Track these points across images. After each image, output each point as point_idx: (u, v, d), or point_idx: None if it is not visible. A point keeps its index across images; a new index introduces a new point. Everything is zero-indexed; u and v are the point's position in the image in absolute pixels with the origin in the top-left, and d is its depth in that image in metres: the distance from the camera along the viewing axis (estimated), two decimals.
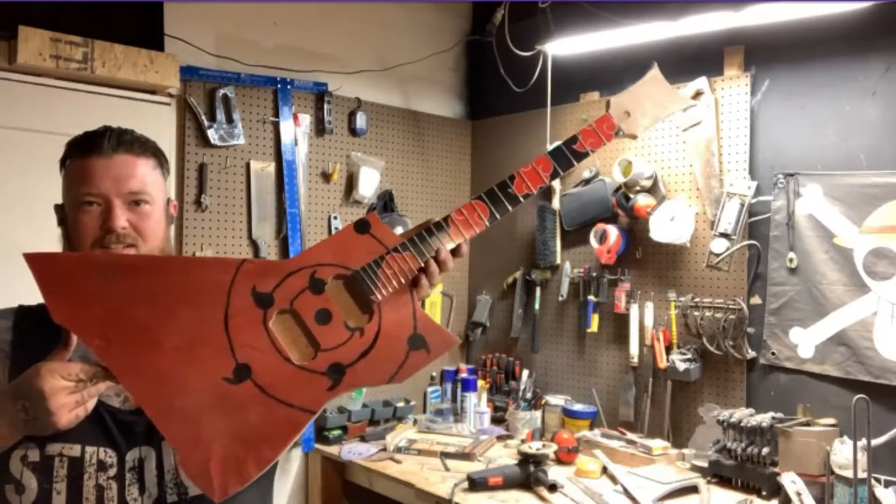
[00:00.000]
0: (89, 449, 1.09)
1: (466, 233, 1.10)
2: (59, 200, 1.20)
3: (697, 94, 2.60)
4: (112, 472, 1.09)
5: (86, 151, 1.15)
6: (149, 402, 0.96)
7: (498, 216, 1.12)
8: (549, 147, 2.99)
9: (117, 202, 1.13)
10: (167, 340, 0.98)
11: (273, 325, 1.00)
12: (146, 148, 1.19)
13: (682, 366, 2.54)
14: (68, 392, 0.95)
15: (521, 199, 1.11)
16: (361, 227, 1.07)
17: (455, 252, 1.11)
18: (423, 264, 1.07)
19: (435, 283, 1.09)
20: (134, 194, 1.15)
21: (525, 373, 3.11)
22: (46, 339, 1.13)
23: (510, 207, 1.11)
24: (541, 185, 1.11)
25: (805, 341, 2.35)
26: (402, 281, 1.05)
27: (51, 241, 2.46)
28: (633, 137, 1.19)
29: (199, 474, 0.94)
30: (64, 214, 1.18)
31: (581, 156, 1.12)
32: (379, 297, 1.03)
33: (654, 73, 1.26)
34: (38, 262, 1.02)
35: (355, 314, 1.03)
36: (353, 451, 2.64)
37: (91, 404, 1.00)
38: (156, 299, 0.99)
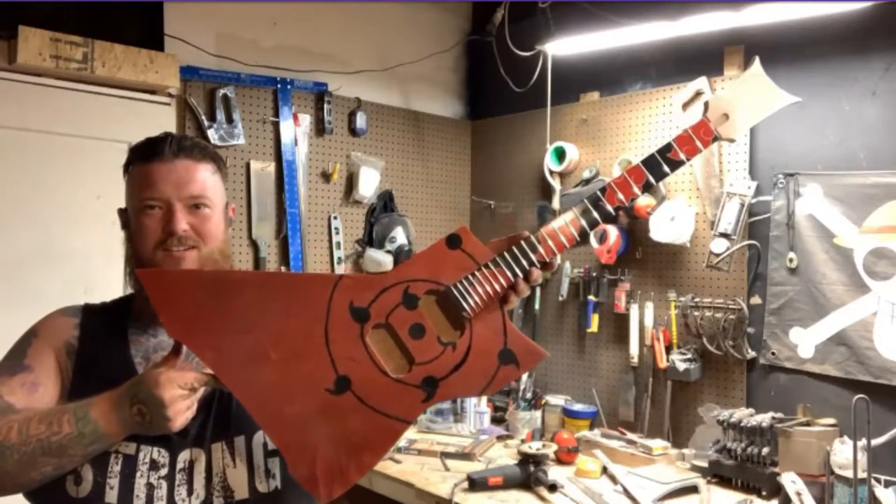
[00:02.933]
0: (144, 448, 1.12)
1: (558, 249, 1.11)
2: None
3: (697, 94, 2.60)
4: (163, 471, 1.12)
5: (148, 157, 1.19)
6: (258, 410, 1.02)
7: (589, 231, 1.11)
8: (549, 147, 3.01)
9: (178, 206, 1.18)
10: (273, 352, 1.03)
11: (369, 338, 1.05)
12: (206, 153, 1.24)
13: (682, 366, 2.54)
14: (184, 399, 1.02)
15: (613, 211, 1.10)
16: (453, 242, 1.11)
17: (546, 267, 1.12)
18: (514, 281, 1.09)
19: (524, 296, 1.12)
20: (194, 198, 1.19)
21: (525, 373, 3.11)
22: (109, 336, 1.21)
23: (601, 222, 1.11)
24: (633, 197, 1.10)
25: (805, 341, 2.35)
26: (494, 297, 1.07)
27: (50, 240, 2.47)
28: (732, 142, 1.18)
29: (307, 479, 1.00)
30: (127, 218, 1.22)
31: (676, 164, 1.11)
32: (471, 313, 1.06)
33: (756, 69, 1.21)
34: (150, 279, 1.08)
35: (447, 329, 1.06)
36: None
37: (196, 407, 1.06)
38: (262, 314, 1.05)
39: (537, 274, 1.10)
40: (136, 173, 1.21)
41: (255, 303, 1.05)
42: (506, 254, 1.09)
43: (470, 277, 1.07)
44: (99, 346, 1.18)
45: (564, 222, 1.11)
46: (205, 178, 1.21)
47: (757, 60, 1.18)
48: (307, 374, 1.02)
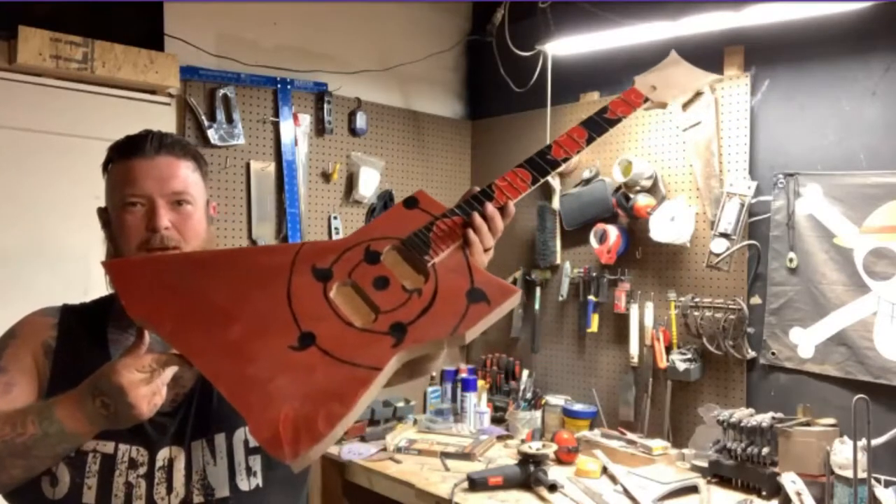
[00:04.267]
0: (122, 447, 1.11)
1: (511, 195, 1.15)
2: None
3: (697, 94, 2.60)
4: (142, 470, 1.11)
5: (128, 154, 1.19)
6: (219, 376, 0.99)
7: (540, 179, 1.18)
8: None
9: (161, 202, 1.16)
10: (235, 320, 1.02)
11: (334, 296, 1.05)
12: (187, 150, 1.23)
13: (682, 366, 2.54)
14: (145, 383, 0.98)
15: (561, 162, 1.18)
16: (410, 203, 1.14)
17: (503, 212, 1.14)
18: (470, 220, 1.11)
19: (487, 242, 1.12)
20: (177, 194, 1.18)
21: (525, 373, 3.11)
22: (88, 336, 1.19)
23: (550, 170, 1.18)
24: (578, 150, 1.18)
25: (805, 341, 2.35)
26: (454, 241, 1.09)
27: (50, 240, 2.47)
28: (663, 107, 1.25)
29: (269, 440, 0.94)
30: (108, 217, 1.21)
31: (613, 122, 1.19)
32: (433, 257, 1.07)
33: (672, 57, 1.33)
34: (114, 268, 1.09)
35: (413, 278, 1.07)
36: (353, 451, 2.63)
37: (164, 391, 1.02)
38: (222, 285, 1.05)
39: (492, 210, 1.11)
40: (116, 170, 1.20)
41: (217, 277, 1.06)
42: (461, 203, 1.13)
43: (428, 225, 1.10)
44: (77, 346, 1.17)
45: (514, 171, 1.17)
46: (186, 175, 1.20)
47: (672, 51, 1.34)
48: (269, 336, 1.01)
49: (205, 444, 1.15)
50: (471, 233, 1.09)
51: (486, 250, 1.12)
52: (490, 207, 1.12)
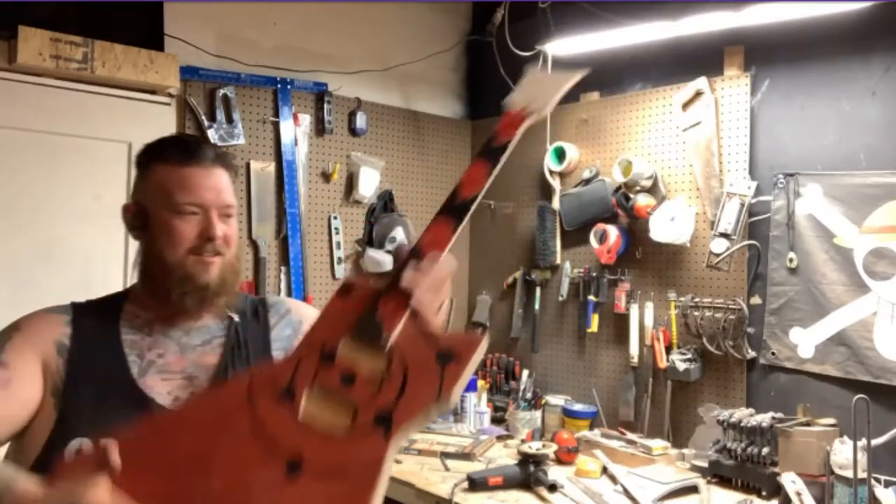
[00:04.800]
0: None
1: (439, 247, 1.12)
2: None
3: (697, 94, 2.60)
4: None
5: (185, 160, 1.19)
6: None
7: (460, 223, 1.15)
8: (549, 147, 3.01)
9: (214, 213, 1.20)
10: (215, 480, 0.98)
11: (305, 409, 1.01)
12: (232, 163, 1.28)
13: (682, 366, 2.54)
14: None
15: (473, 201, 1.17)
16: (344, 291, 1.10)
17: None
18: (408, 288, 1.07)
19: (434, 302, 1.09)
20: (227, 207, 1.23)
21: (525, 373, 3.11)
22: (102, 335, 1.19)
23: (467, 212, 1.17)
24: (485, 184, 1.17)
25: (805, 341, 2.35)
26: (402, 312, 1.05)
27: (50, 239, 2.47)
28: (542, 116, 1.21)
29: None
30: (143, 216, 1.20)
31: (504, 148, 1.18)
32: (388, 336, 1.04)
33: (531, 73, 1.27)
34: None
35: (376, 363, 1.04)
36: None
37: None
38: (187, 445, 1.01)
39: (426, 269, 1.08)
40: (168, 174, 1.19)
41: (178, 440, 1.01)
42: (395, 271, 1.09)
43: (371, 306, 1.06)
44: (92, 346, 1.17)
45: (434, 223, 1.15)
46: (232, 188, 1.25)
47: (529, 67, 1.29)
48: (253, 477, 0.97)
49: None
50: (414, 301, 1.06)
51: (439, 308, 1.10)
52: (424, 267, 1.08)
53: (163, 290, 1.19)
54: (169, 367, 1.19)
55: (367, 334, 1.05)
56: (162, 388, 1.17)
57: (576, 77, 1.22)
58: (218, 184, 1.22)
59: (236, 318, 1.26)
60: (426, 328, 1.05)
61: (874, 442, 1.96)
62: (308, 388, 1.02)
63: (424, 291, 1.08)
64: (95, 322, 1.20)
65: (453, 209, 1.17)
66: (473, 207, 1.17)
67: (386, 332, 1.04)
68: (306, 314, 1.37)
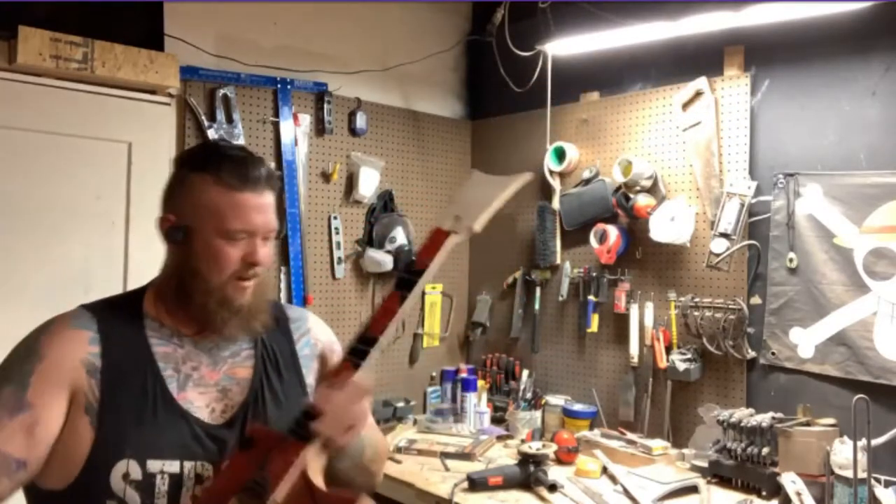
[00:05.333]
0: (187, 464, 1.12)
1: (335, 396, 1.08)
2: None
3: (697, 94, 2.60)
4: (208, 484, 1.12)
5: (241, 185, 1.15)
6: None
7: (363, 364, 1.08)
8: (549, 147, 3.01)
9: (260, 238, 1.18)
10: None
11: None
12: (277, 184, 1.24)
13: (682, 366, 2.54)
14: None
15: (377, 339, 1.08)
16: (246, 444, 1.10)
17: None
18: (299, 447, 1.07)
19: (334, 443, 1.09)
20: (270, 232, 1.21)
21: (525, 373, 3.11)
22: (133, 348, 1.16)
23: (370, 351, 1.09)
24: (393, 316, 1.09)
25: (805, 341, 2.35)
26: (288, 467, 1.04)
27: (50, 240, 2.46)
28: (474, 232, 1.14)
29: None
30: (187, 233, 1.16)
31: (420, 273, 1.10)
32: (272, 496, 1.03)
33: (474, 177, 1.23)
34: None
35: None
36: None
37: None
38: None
39: (319, 428, 1.06)
40: (222, 198, 1.15)
41: None
42: (293, 425, 1.07)
43: (262, 464, 1.05)
44: (124, 361, 1.14)
45: (341, 364, 1.10)
46: (275, 210, 1.22)
47: (474, 171, 1.25)
48: None
49: None
50: (303, 457, 1.05)
51: (339, 447, 1.10)
52: (318, 428, 1.06)
53: (200, 309, 1.17)
54: (204, 381, 1.19)
55: (254, 496, 1.04)
56: (200, 402, 1.17)
57: (517, 184, 1.16)
58: (267, 208, 1.19)
59: (243, 330, 1.23)
60: (309, 483, 1.04)
61: (874, 442, 1.96)
62: None
63: (331, 429, 1.07)
64: (122, 333, 1.16)
65: (358, 352, 1.09)
66: (381, 345, 1.09)
67: (271, 491, 1.03)
68: (322, 338, 1.38)
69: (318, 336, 1.37)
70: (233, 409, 1.18)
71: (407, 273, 1.11)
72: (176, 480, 1.11)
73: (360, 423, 1.11)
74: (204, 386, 1.18)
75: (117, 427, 1.10)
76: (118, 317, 1.19)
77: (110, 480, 1.08)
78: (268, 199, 1.19)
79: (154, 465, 1.10)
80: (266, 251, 1.20)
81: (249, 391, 1.21)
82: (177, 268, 1.19)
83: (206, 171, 1.16)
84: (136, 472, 1.09)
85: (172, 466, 1.11)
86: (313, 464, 1.07)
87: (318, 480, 1.07)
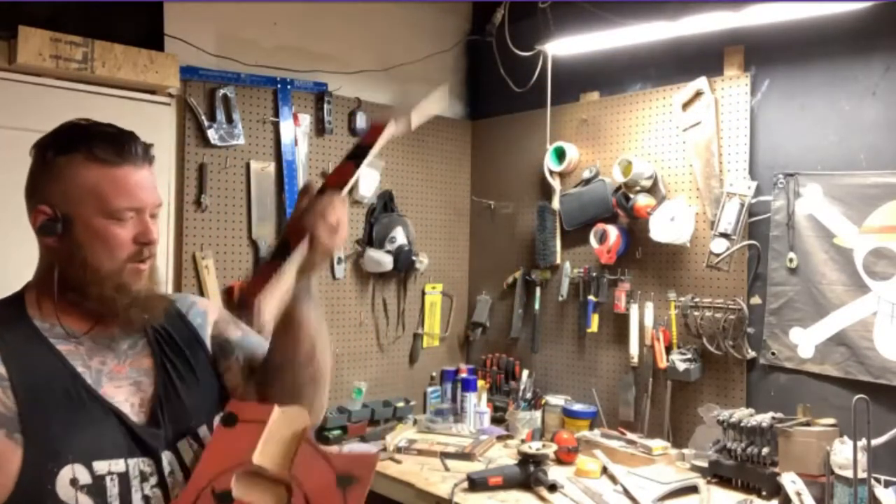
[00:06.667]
0: (131, 461, 1.08)
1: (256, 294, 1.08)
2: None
3: (697, 94, 2.60)
4: (153, 480, 1.09)
5: (119, 159, 1.09)
6: None
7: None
8: (549, 147, 3.01)
9: (148, 215, 1.12)
10: None
11: None
12: (153, 156, 1.17)
13: (682, 366, 2.54)
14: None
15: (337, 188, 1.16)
16: (229, 420, 1.07)
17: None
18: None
19: (329, 236, 1.12)
20: (157, 207, 1.15)
21: (525, 373, 3.11)
22: (33, 349, 1.07)
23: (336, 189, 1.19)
24: (351, 179, 1.17)
25: (805, 341, 2.35)
26: (276, 280, 1.05)
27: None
28: (405, 128, 1.28)
29: None
30: (65, 223, 1.09)
31: (367, 149, 1.20)
32: (263, 308, 1.03)
33: (405, 96, 1.37)
34: None
35: (275, 494, 1.01)
36: (353, 450, 2.64)
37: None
38: None
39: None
40: (101, 176, 1.08)
41: None
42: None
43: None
44: (31, 364, 1.05)
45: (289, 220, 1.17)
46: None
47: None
48: None
49: (191, 440, 1.14)
50: (288, 264, 1.08)
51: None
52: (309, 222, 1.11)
53: (96, 301, 1.10)
54: (116, 375, 1.12)
55: (260, 471, 1.01)
56: (120, 397, 1.11)
57: (439, 99, 1.30)
58: (151, 182, 1.12)
59: (145, 316, 1.16)
60: (321, 450, 1.02)
61: (874, 442, 1.96)
62: None
63: (320, 230, 1.10)
64: (17, 337, 1.07)
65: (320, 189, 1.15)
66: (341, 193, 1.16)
67: (250, 299, 1.02)
68: (209, 305, 1.33)
69: (203, 305, 1.31)
70: (150, 403, 1.13)
71: (357, 148, 1.21)
72: (124, 479, 1.06)
73: (343, 229, 1.13)
74: (118, 380, 1.12)
75: (50, 433, 1.02)
76: (5, 323, 1.10)
77: (57, 490, 1.01)
78: (148, 171, 1.12)
79: (100, 466, 1.04)
80: (156, 228, 1.13)
81: (157, 378, 1.15)
82: (61, 263, 1.11)
83: (76, 150, 1.09)
84: (84, 477, 1.03)
85: (118, 466, 1.06)
86: (289, 279, 1.08)
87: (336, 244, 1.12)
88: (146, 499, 1.08)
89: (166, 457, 1.11)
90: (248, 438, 1.02)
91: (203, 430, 1.16)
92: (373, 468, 1.01)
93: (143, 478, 1.08)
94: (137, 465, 1.08)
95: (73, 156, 1.09)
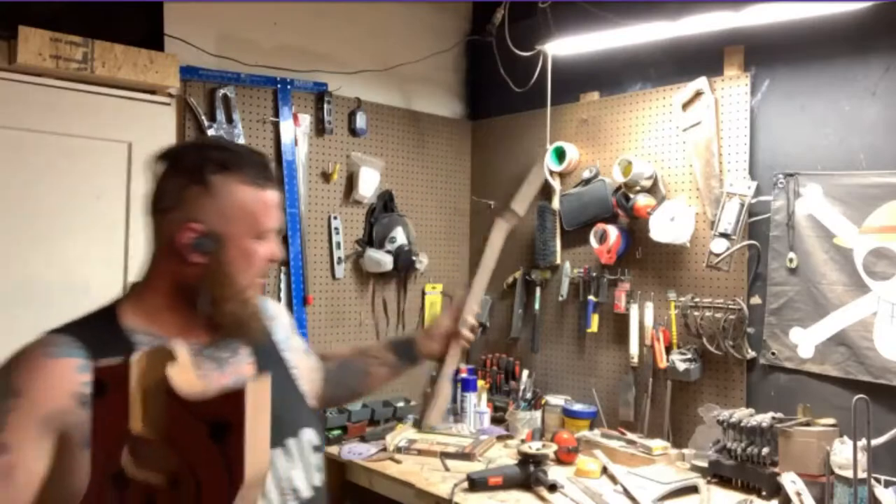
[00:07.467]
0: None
1: None
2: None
3: (697, 94, 2.60)
4: None
5: (266, 182, 1.15)
6: None
7: None
8: (549, 147, 3.00)
9: (275, 234, 1.19)
10: None
11: None
12: None
13: (682, 366, 2.54)
14: None
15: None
16: (100, 390, 0.85)
17: None
18: None
19: None
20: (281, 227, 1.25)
21: (525, 373, 3.11)
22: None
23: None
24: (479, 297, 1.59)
25: (805, 341, 2.35)
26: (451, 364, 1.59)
27: (50, 240, 2.46)
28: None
29: None
30: (216, 240, 1.11)
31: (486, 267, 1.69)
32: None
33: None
34: None
35: (167, 465, 0.83)
36: (353, 451, 2.63)
37: None
38: None
39: None
40: (253, 197, 1.12)
41: None
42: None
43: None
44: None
45: None
46: None
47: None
48: None
49: (279, 452, 1.16)
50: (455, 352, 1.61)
51: None
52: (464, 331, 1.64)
53: (228, 315, 1.13)
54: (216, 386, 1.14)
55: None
56: None
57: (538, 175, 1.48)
58: (280, 206, 1.19)
59: (260, 326, 1.23)
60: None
61: (874, 442, 1.96)
62: None
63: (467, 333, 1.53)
64: (115, 353, 1.05)
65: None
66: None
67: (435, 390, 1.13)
68: (284, 319, 1.39)
69: (282, 319, 1.38)
70: None
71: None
72: None
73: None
74: None
75: None
76: (100, 337, 1.08)
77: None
78: (279, 195, 1.19)
79: None
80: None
81: None
82: (203, 279, 1.11)
83: (231, 171, 1.11)
84: None
85: None
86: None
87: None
88: None
89: None
90: (122, 404, 0.83)
91: (291, 443, 1.19)
92: (243, 406, 0.79)
93: None
94: None
95: (229, 176, 1.12)
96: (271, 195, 1.15)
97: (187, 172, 1.12)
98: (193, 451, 0.80)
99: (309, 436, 1.20)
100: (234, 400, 0.78)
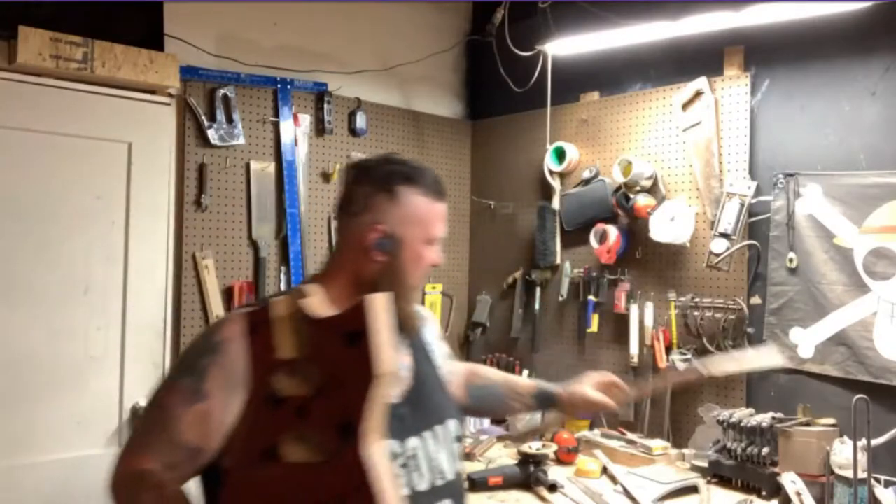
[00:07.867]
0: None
1: None
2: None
3: (697, 94, 2.60)
4: (400, 461, 1.23)
5: (440, 196, 1.35)
6: None
7: None
8: (549, 147, 3.00)
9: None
10: None
11: (291, 457, 1.04)
12: None
13: (682, 366, 2.54)
14: None
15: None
16: (252, 331, 1.14)
17: None
18: None
19: None
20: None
21: (525, 373, 3.11)
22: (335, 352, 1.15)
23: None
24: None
25: (805, 341, 2.35)
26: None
27: (50, 240, 2.46)
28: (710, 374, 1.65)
29: None
30: (395, 242, 1.27)
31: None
32: None
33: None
34: None
35: (312, 377, 1.07)
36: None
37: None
38: None
39: None
40: (429, 208, 1.31)
41: None
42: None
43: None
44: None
45: None
46: None
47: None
48: None
49: (429, 434, 1.30)
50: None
51: None
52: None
53: (399, 312, 1.25)
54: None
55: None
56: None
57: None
58: (447, 216, 1.37)
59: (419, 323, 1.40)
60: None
61: (874, 442, 1.96)
62: (284, 439, 1.03)
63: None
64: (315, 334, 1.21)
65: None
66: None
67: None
68: (431, 323, 1.51)
69: (431, 324, 1.51)
70: (406, 394, 1.29)
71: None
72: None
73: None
74: None
75: None
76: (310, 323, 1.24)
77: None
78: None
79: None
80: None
81: (413, 375, 1.32)
82: (381, 276, 1.26)
83: (412, 184, 1.30)
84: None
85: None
86: None
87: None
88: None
89: (413, 441, 1.26)
90: (269, 338, 1.06)
91: (439, 429, 1.32)
92: (371, 315, 1.00)
93: (393, 457, 1.21)
94: (389, 446, 1.18)
95: (411, 187, 1.30)
96: (441, 207, 1.34)
97: (376, 182, 1.30)
98: (334, 358, 1.00)
99: (453, 426, 1.34)
100: (362, 311, 0.99)
